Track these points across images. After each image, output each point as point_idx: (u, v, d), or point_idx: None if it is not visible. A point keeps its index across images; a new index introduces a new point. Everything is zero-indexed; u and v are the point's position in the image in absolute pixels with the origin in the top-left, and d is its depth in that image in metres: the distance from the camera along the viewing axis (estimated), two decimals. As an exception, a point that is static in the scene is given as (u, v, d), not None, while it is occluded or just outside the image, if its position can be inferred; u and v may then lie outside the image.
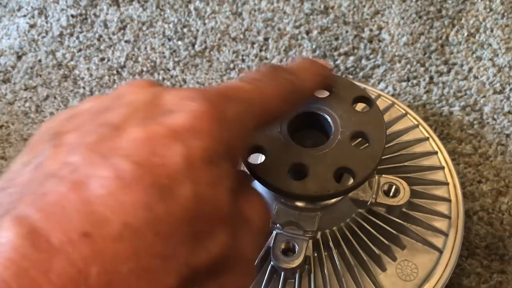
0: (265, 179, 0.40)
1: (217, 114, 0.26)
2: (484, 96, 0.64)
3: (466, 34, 0.70)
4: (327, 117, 0.43)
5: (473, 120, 0.62)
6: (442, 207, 0.49)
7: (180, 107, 0.25)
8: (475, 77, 0.66)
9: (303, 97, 0.36)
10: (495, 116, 0.62)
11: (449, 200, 0.50)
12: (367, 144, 0.42)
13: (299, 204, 0.45)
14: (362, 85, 0.60)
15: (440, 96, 0.64)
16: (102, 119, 0.25)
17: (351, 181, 0.42)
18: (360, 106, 0.45)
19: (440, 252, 0.47)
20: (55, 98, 0.68)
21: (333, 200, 0.45)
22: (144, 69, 0.69)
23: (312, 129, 0.45)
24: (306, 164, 0.40)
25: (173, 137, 0.24)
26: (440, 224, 0.48)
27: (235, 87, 0.30)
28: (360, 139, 0.43)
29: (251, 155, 0.42)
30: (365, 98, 0.44)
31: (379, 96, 0.58)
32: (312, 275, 0.45)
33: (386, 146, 0.48)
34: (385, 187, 0.47)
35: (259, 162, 0.44)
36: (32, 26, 0.76)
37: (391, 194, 0.47)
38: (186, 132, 0.24)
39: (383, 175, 0.47)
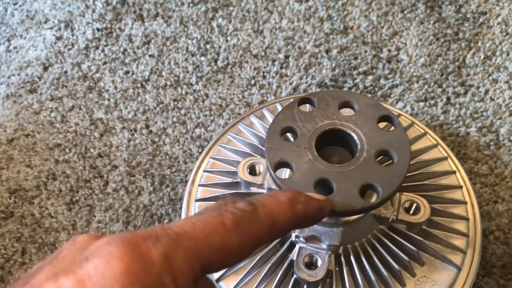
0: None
1: (135, 256, 0.25)
2: (501, 118, 0.65)
3: (482, 56, 0.72)
4: (353, 134, 0.44)
5: (490, 141, 0.63)
6: (460, 226, 0.51)
7: (96, 253, 0.25)
8: (492, 99, 0.67)
9: (264, 226, 0.31)
10: (511, 138, 0.63)
11: (467, 219, 0.51)
12: (391, 161, 0.44)
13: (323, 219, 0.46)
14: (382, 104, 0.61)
15: (457, 117, 0.66)
16: (29, 279, 0.26)
17: (374, 197, 0.43)
18: (381, 124, 0.46)
19: (459, 269, 0.48)
20: (80, 109, 0.70)
21: (356, 216, 0.46)
22: (168, 83, 0.71)
23: (338, 146, 0.46)
24: (332, 179, 0.41)
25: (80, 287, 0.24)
26: (459, 242, 0.49)
27: (166, 225, 0.28)
28: (383, 156, 0.44)
29: (278, 170, 0.43)
30: (390, 117, 0.45)
31: (399, 115, 0.59)
32: (333, 289, 0.46)
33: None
34: (406, 205, 0.48)
35: (284, 176, 0.46)
36: (58, 38, 0.78)
37: (411, 211, 0.48)
38: (95, 280, 0.24)
39: (404, 193, 0.49)
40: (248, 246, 0.30)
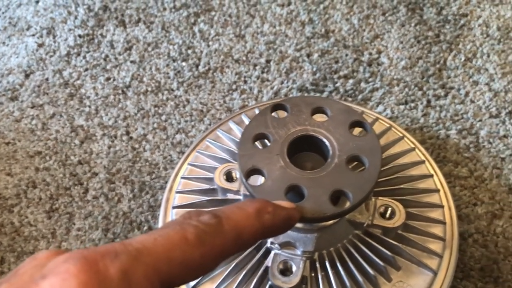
0: (263, 201, 0.41)
1: (92, 273, 0.25)
2: (480, 120, 0.65)
3: (463, 59, 0.72)
4: (325, 140, 0.44)
5: (469, 144, 0.63)
6: (437, 229, 0.50)
7: (53, 270, 0.25)
8: (472, 101, 0.67)
9: (228, 239, 0.31)
10: (491, 140, 0.64)
11: (443, 223, 0.51)
12: (363, 168, 0.44)
13: (297, 225, 0.46)
14: (360, 108, 0.62)
15: (437, 120, 0.66)
16: None
17: (348, 203, 0.43)
18: (357, 130, 0.46)
19: (435, 273, 0.48)
20: (61, 116, 0.70)
21: (330, 222, 0.46)
22: (149, 89, 0.71)
23: (311, 152, 0.46)
24: (303, 186, 0.41)
25: None
26: (435, 246, 0.49)
27: (126, 241, 0.28)
28: (356, 162, 0.44)
29: (251, 177, 0.43)
30: (361, 123, 0.45)
31: (376, 119, 0.59)
32: (308, 295, 0.46)
33: (383, 168, 0.50)
34: (382, 209, 0.48)
35: (259, 183, 0.46)
36: (40, 45, 0.78)
37: (387, 216, 0.48)
38: None
39: (380, 197, 0.49)
40: (212, 259, 0.30)
